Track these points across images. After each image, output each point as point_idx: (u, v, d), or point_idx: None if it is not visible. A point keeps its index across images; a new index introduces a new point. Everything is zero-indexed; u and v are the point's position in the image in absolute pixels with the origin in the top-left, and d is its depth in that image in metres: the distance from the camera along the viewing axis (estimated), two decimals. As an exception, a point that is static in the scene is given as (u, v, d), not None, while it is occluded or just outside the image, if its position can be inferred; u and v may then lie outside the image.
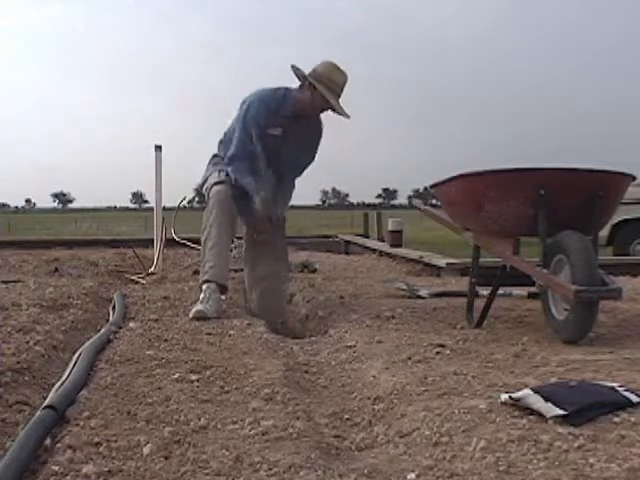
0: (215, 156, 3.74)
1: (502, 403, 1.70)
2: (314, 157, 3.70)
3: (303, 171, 3.74)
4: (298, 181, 3.77)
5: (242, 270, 3.93)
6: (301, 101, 3.47)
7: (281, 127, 3.50)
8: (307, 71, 3.46)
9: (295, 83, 3.53)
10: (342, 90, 3.45)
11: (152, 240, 6.02)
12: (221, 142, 3.74)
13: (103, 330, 2.84)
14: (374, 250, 7.59)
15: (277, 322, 3.51)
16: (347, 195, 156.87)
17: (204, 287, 3.32)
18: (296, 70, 3.49)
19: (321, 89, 3.37)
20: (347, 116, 3.44)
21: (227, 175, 3.53)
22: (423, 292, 3.91)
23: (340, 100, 3.44)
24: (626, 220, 7.94)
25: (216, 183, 3.50)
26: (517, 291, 3.78)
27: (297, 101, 3.48)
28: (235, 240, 3.99)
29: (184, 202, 5.69)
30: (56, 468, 1.38)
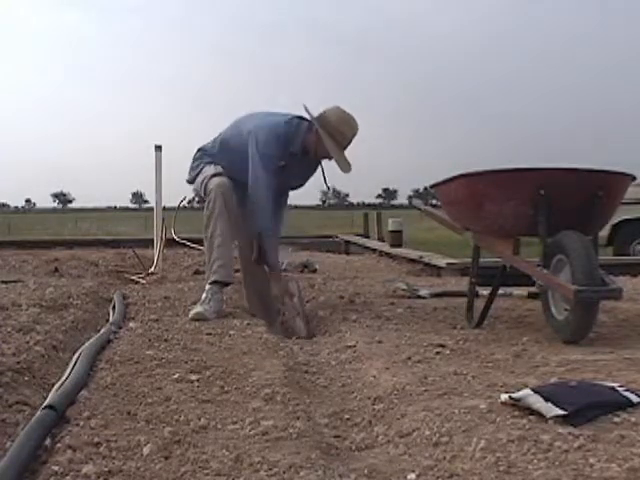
0: (200, 150, 3.64)
1: (502, 403, 1.70)
2: (303, 184, 3.71)
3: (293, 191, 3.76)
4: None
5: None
6: (309, 142, 3.42)
7: (284, 160, 3.44)
8: (317, 111, 3.39)
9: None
10: (349, 142, 3.38)
11: (152, 240, 6.02)
12: (204, 150, 3.64)
13: (103, 330, 2.85)
14: (374, 250, 7.59)
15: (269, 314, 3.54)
16: (347, 195, 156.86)
17: (207, 287, 3.30)
18: (306, 111, 3.41)
19: (327, 141, 3.31)
20: (346, 171, 3.38)
21: (223, 168, 3.48)
22: (423, 292, 3.91)
23: (346, 152, 3.40)
24: (626, 220, 7.94)
25: (215, 175, 3.43)
26: (517, 291, 3.78)
27: (305, 140, 3.42)
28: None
29: (184, 202, 5.68)
30: (56, 468, 1.38)
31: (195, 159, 3.64)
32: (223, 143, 3.58)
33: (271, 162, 3.38)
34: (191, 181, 3.63)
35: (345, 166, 3.38)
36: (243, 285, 3.76)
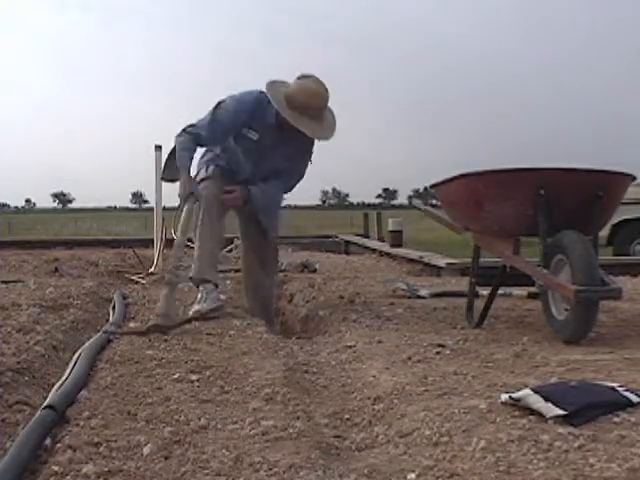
0: (208, 151, 3.63)
1: (502, 403, 1.70)
2: (301, 172, 3.59)
3: (290, 185, 3.63)
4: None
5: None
6: (284, 117, 3.30)
7: (258, 132, 3.40)
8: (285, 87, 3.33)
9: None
10: (318, 106, 3.30)
11: (152, 240, 6.02)
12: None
13: (103, 330, 2.84)
14: (374, 250, 7.59)
15: (266, 313, 3.57)
16: (347, 195, 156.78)
17: (201, 287, 3.31)
18: (268, 92, 3.32)
19: (287, 116, 3.24)
20: (319, 137, 3.35)
21: (217, 166, 3.48)
22: (423, 292, 3.91)
23: (325, 115, 3.33)
24: (626, 220, 7.95)
25: (204, 179, 3.45)
26: (517, 291, 3.78)
27: (278, 114, 3.33)
28: (235, 240, 3.97)
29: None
30: (56, 468, 1.38)
31: (200, 159, 3.62)
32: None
33: (227, 116, 3.34)
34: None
35: (316, 132, 3.31)
36: (244, 287, 3.78)
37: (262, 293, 3.71)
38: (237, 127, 3.41)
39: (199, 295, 3.29)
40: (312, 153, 3.56)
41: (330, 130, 3.37)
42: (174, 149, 3.48)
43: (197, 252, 3.34)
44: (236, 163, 3.51)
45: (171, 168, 3.51)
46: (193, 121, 3.44)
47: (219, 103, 3.41)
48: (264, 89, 3.35)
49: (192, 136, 3.38)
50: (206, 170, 3.51)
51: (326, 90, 3.35)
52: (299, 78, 3.37)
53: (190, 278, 3.35)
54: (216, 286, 3.36)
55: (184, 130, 3.41)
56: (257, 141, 3.42)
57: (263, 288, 3.71)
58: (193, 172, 3.56)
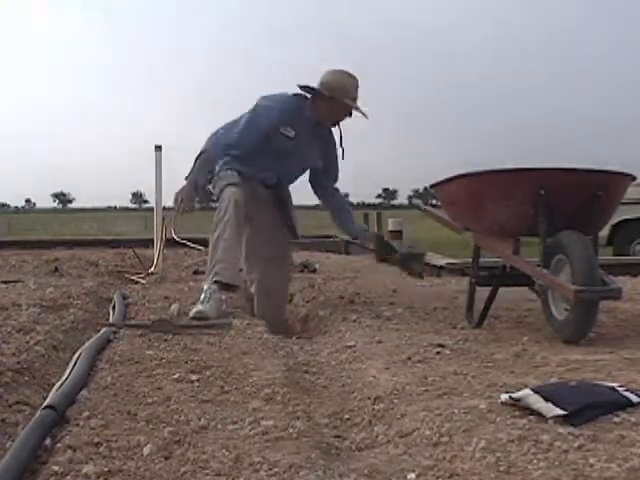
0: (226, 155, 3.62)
1: (502, 403, 1.70)
2: (336, 165, 3.71)
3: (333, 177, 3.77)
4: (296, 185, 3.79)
5: (241, 270, 3.89)
6: (320, 109, 3.48)
7: (294, 129, 3.48)
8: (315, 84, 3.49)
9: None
10: (357, 91, 3.48)
11: (152, 240, 6.02)
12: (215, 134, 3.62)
13: (103, 330, 2.84)
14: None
15: (279, 314, 3.55)
16: (347, 195, 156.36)
17: (205, 287, 3.30)
18: (303, 87, 3.50)
19: (338, 97, 3.40)
20: (368, 117, 3.47)
21: (239, 174, 3.48)
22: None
23: (358, 102, 3.48)
24: (626, 220, 7.95)
25: (231, 184, 3.42)
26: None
27: (315, 109, 3.50)
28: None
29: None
30: (56, 468, 1.38)
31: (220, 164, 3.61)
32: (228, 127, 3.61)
33: (267, 119, 3.45)
34: (210, 184, 3.62)
35: (365, 113, 3.48)
36: (256, 293, 3.73)
37: (278, 296, 3.69)
38: (275, 126, 3.47)
39: (202, 295, 3.27)
40: (335, 147, 3.65)
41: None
42: (203, 151, 3.55)
43: (223, 255, 3.30)
44: (266, 167, 3.53)
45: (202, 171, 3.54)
46: (221, 124, 3.55)
47: (256, 105, 3.50)
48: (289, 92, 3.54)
49: (223, 143, 3.47)
50: (231, 174, 3.48)
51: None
52: (324, 74, 3.51)
53: (215, 281, 3.28)
54: (229, 287, 3.35)
55: (215, 134, 3.50)
56: (294, 138, 3.49)
57: (281, 290, 3.71)
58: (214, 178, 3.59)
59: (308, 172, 3.73)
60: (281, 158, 3.53)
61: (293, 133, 3.49)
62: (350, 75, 3.49)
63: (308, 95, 3.53)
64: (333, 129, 3.63)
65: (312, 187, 3.78)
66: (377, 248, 3.82)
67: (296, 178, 3.71)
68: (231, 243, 3.32)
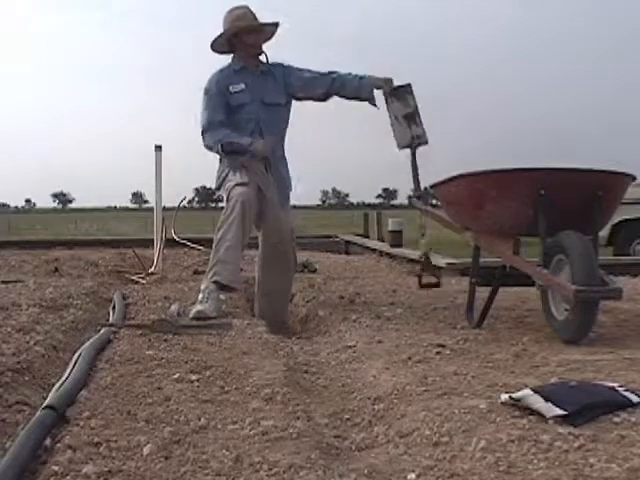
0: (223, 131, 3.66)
1: (502, 403, 1.70)
2: (303, 70, 3.71)
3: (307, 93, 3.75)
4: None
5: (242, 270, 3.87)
6: (240, 53, 3.62)
7: (241, 82, 3.59)
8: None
9: None
10: (253, 14, 3.59)
11: (152, 240, 6.01)
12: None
13: (103, 330, 2.85)
14: (374, 250, 7.58)
15: (279, 314, 3.56)
16: (347, 195, 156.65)
17: (203, 287, 3.29)
18: (218, 50, 3.67)
19: (238, 26, 3.53)
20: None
21: (243, 169, 3.47)
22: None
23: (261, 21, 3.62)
24: (626, 220, 7.94)
25: (239, 184, 3.41)
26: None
27: (239, 56, 3.63)
28: None
29: (184, 202, 5.69)
30: (56, 468, 1.38)
31: (221, 162, 3.65)
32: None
33: (217, 90, 3.57)
34: (217, 187, 3.64)
35: (273, 23, 3.64)
36: (257, 292, 3.73)
37: (279, 297, 3.68)
38: (223, 88, 3.58)
39: (200, 295, 3.27)
40: (282, 72, 3.69)
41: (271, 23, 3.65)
42: (223, 149, 3.55)
43: (224, 255, 3.29)
44: (249, 130, 3.56)
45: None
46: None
47: (203, 90, 3.63)
48: None
49: (209, 131, 3.55)
50: (240, 175, 3.47)
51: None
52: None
53: (214, 281, 3.27)
54: (227, 288, 3.34)
55: (202, 134, 3.57)
56: (246, 88, 3.58)
57: (283, 291, 3.69)
58: (219, 174, 3.64)
59: (306, 98, 3.73)
60: (250, 111, 3.58)
61: (242, 85, 3.59)
62: (236, 7, 3.60)
63: (230, 54, 3.67)
64: (265, 60, 3.68)
65: (323, 99, 3.72)
66: (425, 264, 3.78)
67: (280, 123, 3.69)
68: (234, 243, 3.31)
